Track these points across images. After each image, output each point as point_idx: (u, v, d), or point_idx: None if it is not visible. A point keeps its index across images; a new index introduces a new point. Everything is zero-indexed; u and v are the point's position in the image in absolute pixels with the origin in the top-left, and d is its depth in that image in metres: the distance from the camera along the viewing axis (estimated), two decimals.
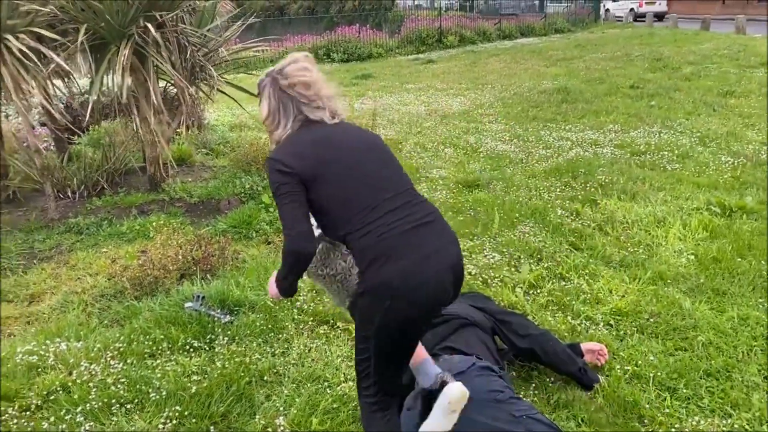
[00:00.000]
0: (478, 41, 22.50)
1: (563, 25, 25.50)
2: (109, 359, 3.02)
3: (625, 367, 2.82)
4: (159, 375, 2.87)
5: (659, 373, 2.76)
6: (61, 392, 2.77)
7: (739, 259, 3.89)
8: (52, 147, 6.22)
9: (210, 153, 6.84)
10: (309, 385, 2.78)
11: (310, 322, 3.34)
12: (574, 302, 3.47)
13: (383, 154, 2.11)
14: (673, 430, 2.38)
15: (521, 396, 2.59)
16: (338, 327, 3.30)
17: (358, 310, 1.97)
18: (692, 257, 3.99)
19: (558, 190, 5.45)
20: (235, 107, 7.85)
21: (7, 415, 2.57)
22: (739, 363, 2.84)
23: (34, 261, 4.38)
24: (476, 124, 8.50)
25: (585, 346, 2.89)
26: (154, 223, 4.73)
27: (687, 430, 2.37)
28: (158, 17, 4.57)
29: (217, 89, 5.29)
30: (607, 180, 5.54)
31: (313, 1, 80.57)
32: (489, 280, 3.79)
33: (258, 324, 3.28)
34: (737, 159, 6.02)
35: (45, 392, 2.75)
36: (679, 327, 3.17)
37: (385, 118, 9.18)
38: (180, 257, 4.07)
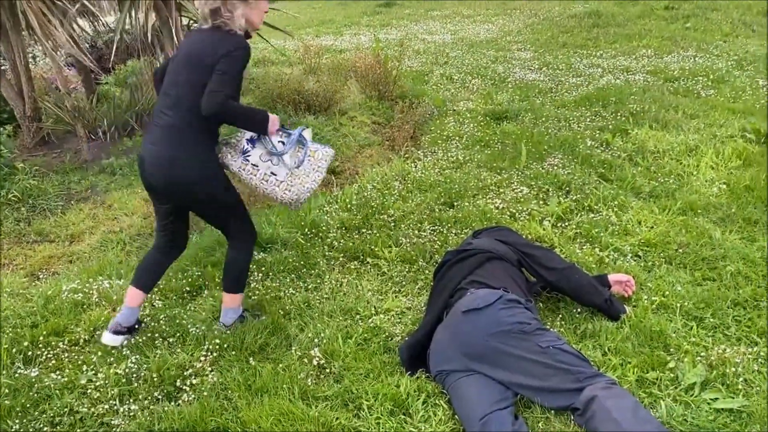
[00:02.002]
0: None
1: None
2: (149, 297, 3.15)
3: (653, 298, 2.84)
4: (197, 312, 2.99)
5: (686, 303, 2.79)
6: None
7: None
8: (80, 88, 6.27)
9: None
10: (341, 318, 2.88)
11: (340, 258, 3.42)
12: (602, 234, 3.48)
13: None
14: (698, 357, 2.42)
15: (548, 327, 2.65)
16: (368, 262, 3.37)
17: None
18: (724, 186, 3.93)
19: (588, 120, 5.35)
20: (259, 41, 7.76)
21: (58, 349, 2.73)
22: None
23: (72, 202, 4.52)
24: (504, 53, 8.30)
25: (612, 277, 2.91)
26: None
27: (713, 357, 2.41)
28: None
29: None
30: (638, 108, 5.41)
31: None
32: (517, 214, 3.80)
33: (290, 260, 3.37)
34: None
35: (92, 328, 2.89)
36: (708, 257, 3.17)
37: (410, 48, 9.00)
38: None
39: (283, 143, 2.72)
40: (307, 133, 2.80)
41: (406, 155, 5.07)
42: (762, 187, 3.84)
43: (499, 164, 4.59)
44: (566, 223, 3.67)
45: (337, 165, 5.01)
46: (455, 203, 4.03)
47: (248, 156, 2.68)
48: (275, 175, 2.70)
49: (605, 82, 6.40)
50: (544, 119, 5.46)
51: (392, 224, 3.78)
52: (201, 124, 2.49)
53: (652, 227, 3.54)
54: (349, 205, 4.03)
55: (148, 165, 2.57)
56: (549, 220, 3.70)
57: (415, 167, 4.72)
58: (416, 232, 3.65)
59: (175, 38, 4.87)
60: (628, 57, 7.39)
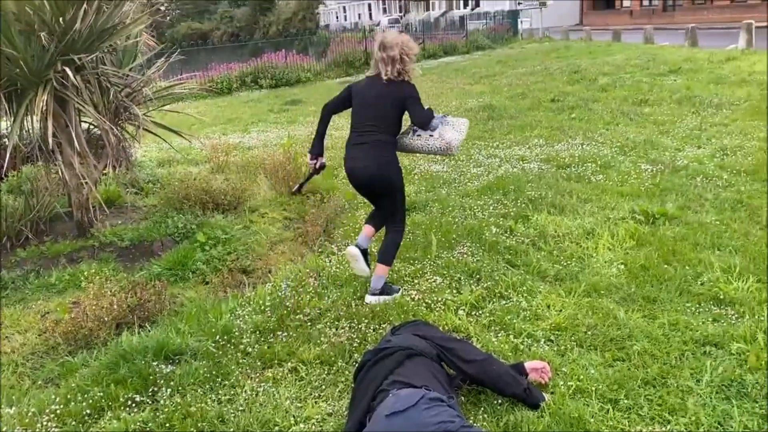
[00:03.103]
0: None
1: (484, 42, 26.32)
2: (45, 423, 2.88)
3: (569, 383, 2.90)
4: None
5: (600, 386, 2.86)
6: None
7: (666, 266, 4.09)
8: None
9: (139, 192, 6.65)
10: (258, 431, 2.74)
11: (256, 365, 3.29)
12: (514, 320, 3.56)
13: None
14: None
15: (472, 422, 2.63)
16: (285, 367, 3.26)
17: None
18: (622, 267, 4.17)
19: (491, 207, 5.58)
20: (163, 141, 7.68)
21: None
22: (673, 369, 2.98)
23: None
24: None
25: (528, 365, 2.96)
26: (85, 272, 4.54)
27: None
28: (76, 60, 4.44)
29: (143, 129, 5.17)
30: (536, 195, 5.72)
31: (236, 28, 79.86)
32: (432, 305, 3.84)
33: (201, 372, 3.20)
34: (656, 166, 6.35)
35: None
36: (616, 337, 3.30)
37: None
38: (115, 306, 3.94)
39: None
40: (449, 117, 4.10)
41: (320, 250, 5.06)
42: (656, 266, 4.10)
43: (412, 254, 4.66)
44: (480, 312, 3.74)
45: (249, 264, 4.92)
46: None
47: (417, 132, 3.99)
48: (432, 136, 3.94)
49: (503, 171, 6.76)
50: (450, 209, 5.65)
51: (309, 324, 3.71)
52: (392, 138, 3.94)
53: (560, 310, 3.66)
54: (262, 307, 3.92)
55: (353, 169, 3.96)
56: (463, 309, 3.75)
57: (330, 262, 4.71)
58: (334, 330, 3.59)
59: (76, 143, 4.73)
60: (522, 146, 7.88)
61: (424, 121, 3.88)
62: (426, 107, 3.92)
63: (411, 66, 3.87)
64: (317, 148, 4.24)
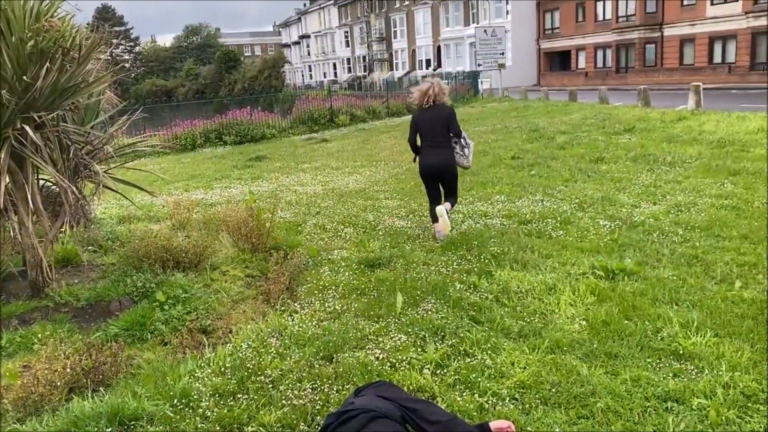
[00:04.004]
0: (369, 119, 23.32)
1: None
2: None
3: None
4: None
5: None
6: None
7: (626, 321, 4.14)
8: None
9: (98, 250, 6.50)
10: None
11: (215, 430, 3.17)
12: (479, 378, 3.54)
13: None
14: None
15: None
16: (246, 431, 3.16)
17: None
18: (584, 322, 4.20)
19: (455, 263, 5.62)
20: (123, 198, 7.58)
21: None
22: (636, 426, 2.99)
23: None
24: (373, 201, 8.69)
25: (494, 424, 2.93)
26: (39, 334, 4.37)
27: None
28: (36, 118, 4.39)
29: (103, 186, 5.10)
30: (499, 251, 5.79)
31: (201, 85, 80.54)
32: (397, 364, 3.79)
33: None
34: (614, 222, 6.51)
35: None
36: (579, 394, 3.30)
37: (282, 200, 9.19)
38: (68, 370, 3.79)
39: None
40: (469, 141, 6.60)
41: (283, 308, 4.99)
42: (617, 321, 4.15)
43: (377, 312, 4.63)
44: (445, 370, 3.71)
45: (209, 323, 4.81)
46: (335, 356, 3.96)
47: (464, 143, 6.45)
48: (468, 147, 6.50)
49: (467, 226, 6.84)
50: (414, 265, 5.66)
51: (270, 386, 3.62)
52: (450, 141, 6.32)
53: (525, 367, 3.65)
54: (222, 368, 3.82)
55: (433, 163, 6.31)
56: (428, 368, 3.72)
57: (293, 320, 4.63)
58: (296, 392, 3.51)
59: (30, 202, 4.63)
60: (484, 202, 8.01)
61: (459, 132, 6.38)
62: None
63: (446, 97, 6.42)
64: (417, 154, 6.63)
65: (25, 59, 4.39)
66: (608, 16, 39.24)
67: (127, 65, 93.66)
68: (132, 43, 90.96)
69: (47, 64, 4.48)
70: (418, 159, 6.49)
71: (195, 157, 16.98)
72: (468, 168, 6.53)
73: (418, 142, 6.43)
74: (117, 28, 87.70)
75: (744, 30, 30.27)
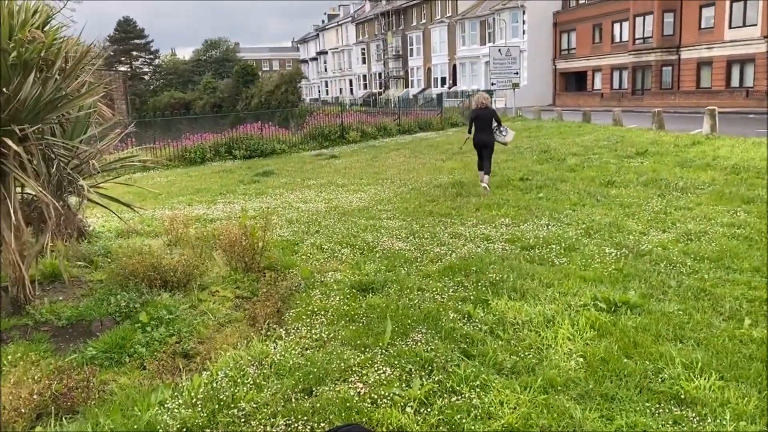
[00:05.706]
0: (379, 136, 23.20)
1: (458, 119, 26.89)
2: None
3: None
4: None
5: None
6: None
7: (626, 360, 3.90)
8: None
9: (89, 266, 6.35)
10: None
11: None
12: (464, 420, 3.32)
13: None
14: None
15: None
16: None
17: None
18: (581, 360, 3.96)
19: (451, 290, 5.39)
20: (126, 210, 7.44)
21: None
22: None
23: None
24: (374, 221, 8.49)
25: None
26: (10, 356, 4.21)
27: None
28: (17, 131, 4.26)
29: (88, 200, 4.96)
30: (498, 278, 5.55)
31: (219, 99, 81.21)
32: (378, 400, 3.57)
33: None
34: (620, 250, 6.26)
35: None
36: None
37: (283, 218, 9.03)
38: (35, 396, 3.62)
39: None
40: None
41: (268, 334, 4.79)
42: (616, 359, 3.91)
43: (364, 341, 4.42)
44: (429, 409, 3.48)
45: (191, 347, 4.63)
46: (315, 389, 3.75)
47: (502, 129, 10.68)
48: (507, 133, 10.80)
49: (467, 250, 6.62)
50: (408, 290, 5.45)
51: (242, 420, 3.41)
52: (492, 128, 10.53)
53: (514, 408, 3.42)
54: (194, 399, 3.62)
55: (485, 140, 10.47)
56: (411, 406, 3.50)
57: (275, 348, 4.43)
58: (268, 428, 3.30)
59: (12, 216, 4.48)
60: (488, 225, 7.78)
61: (500, 122, 10.69)
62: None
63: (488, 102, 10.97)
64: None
65: (7, 70, 4.27)
66: (625, 37, 38.99)
67: (146, 77, 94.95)
68: (152, 56, 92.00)
69: (31, 75, 4.35)
70: (471, 136, 10.54)
71: (203, 170, 16.93)
72: (506, 144, 11.11)
73: (472, 128, 10.60)
74: (137, 41, 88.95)
75: (762, 54, 29.88)
